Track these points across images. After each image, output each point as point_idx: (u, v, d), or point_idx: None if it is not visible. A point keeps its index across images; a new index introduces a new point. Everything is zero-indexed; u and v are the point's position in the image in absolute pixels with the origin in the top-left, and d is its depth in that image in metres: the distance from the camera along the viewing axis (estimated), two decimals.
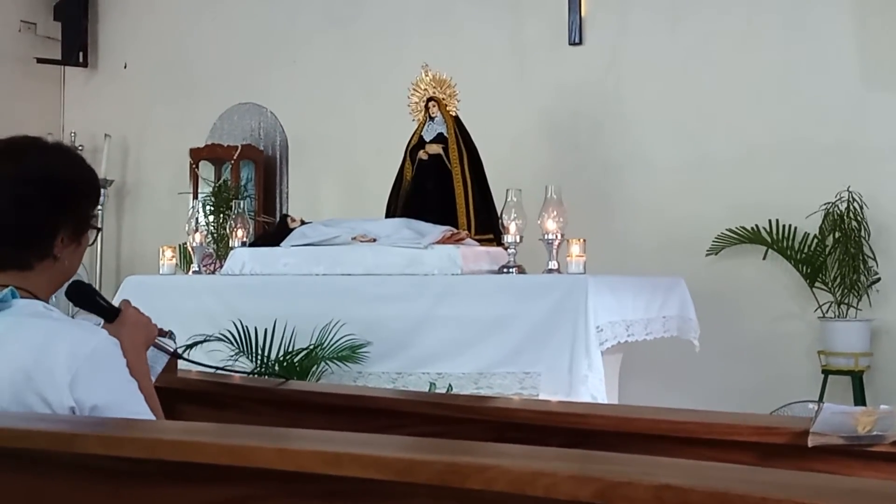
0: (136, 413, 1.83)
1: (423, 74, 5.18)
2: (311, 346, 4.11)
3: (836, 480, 1.35)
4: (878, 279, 5.41)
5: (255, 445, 1.44)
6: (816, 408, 1.94)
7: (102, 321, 2.04)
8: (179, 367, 2.31)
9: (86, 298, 2.06)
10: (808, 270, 5.51)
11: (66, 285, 2.05)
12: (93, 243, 2.03)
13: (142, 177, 7.79)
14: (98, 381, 1.80)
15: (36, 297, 1.91)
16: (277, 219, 6.19)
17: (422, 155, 5.10)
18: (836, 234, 5.41)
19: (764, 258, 5.68)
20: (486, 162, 5.16)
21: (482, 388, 4.03)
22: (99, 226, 2.03)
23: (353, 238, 4.67)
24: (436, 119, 5.12)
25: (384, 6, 6.94)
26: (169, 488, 1.52)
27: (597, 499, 1.18)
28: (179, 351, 2.26)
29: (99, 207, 2.06)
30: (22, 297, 1.88)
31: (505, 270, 4.38)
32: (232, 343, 4.10)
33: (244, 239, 5.16)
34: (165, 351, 2.16)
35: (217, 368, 2.39)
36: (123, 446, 1.55)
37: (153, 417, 1.88)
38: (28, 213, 1.88)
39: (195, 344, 3.56)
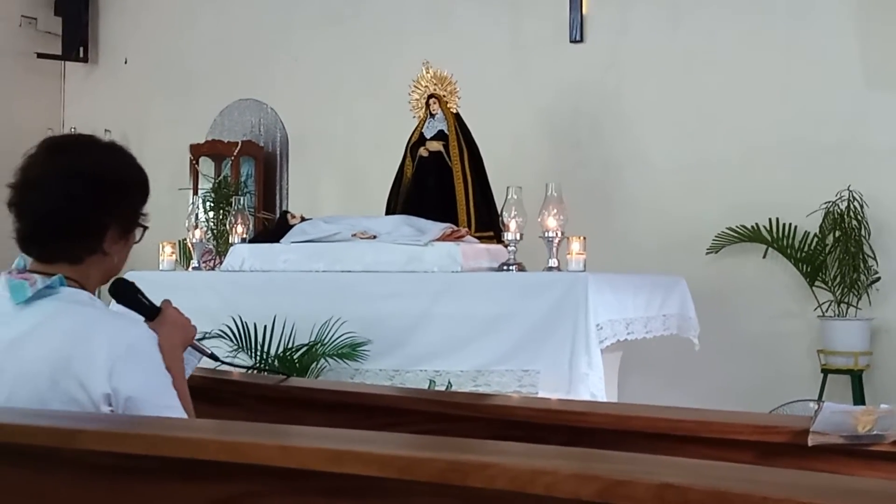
0: (168, 407, 1.87)
1: (425, 71, 5.17)
2: (311, 343, 4.11)
3: (837, 480, 1.35)
4: (878, 278, 5.41)
5: (257, 442, 1.45)
6: (816, 407, 1.94)
7: (143, 319, 2.06)
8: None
9: (128, 296, 2.09)
10: (808, 269, 5.51)
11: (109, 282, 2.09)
12: (139, 240, 2.06)
13: None
14: (136, 371, 1.84)
15: (83, 289, 1.95)
16: (277, 215, 6.19)
17: (422, 152, 5.10)
18: (837, 233, 5.41)
19: (764, 257, 5.68)
20: (487, 159, 5.16)
21: (480, 386, 4.02)
22: (147, 224, 2.05)
23: (353, 235, 4.66)
24: (436, 116, 5.12)
25: (385, 3, 6.93)
26: (170, 485, 1.52)
27: (597, 497, 1.18)
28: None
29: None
30: (69, 287, 1.92)
31: (505, 268, 4.38)
32: (231, 339, 4.10)
33: (244, 235, 5.16)
34: (203, 352, 2.19)
35: (221, 361, 2.40)
36: (124, 443, 1.56)
37: (184, 414, 1.91)
38: (79, 208, 1.91)
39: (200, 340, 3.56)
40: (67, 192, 1.90)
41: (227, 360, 2.73)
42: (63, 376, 1.82)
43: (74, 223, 1.91)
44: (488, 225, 4.92)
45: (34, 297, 1.88)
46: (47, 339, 1.85)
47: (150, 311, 2.08)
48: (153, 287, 2.20)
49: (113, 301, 2.15)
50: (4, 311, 1.89)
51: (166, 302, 2.12)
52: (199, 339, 2.29)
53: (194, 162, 7.35)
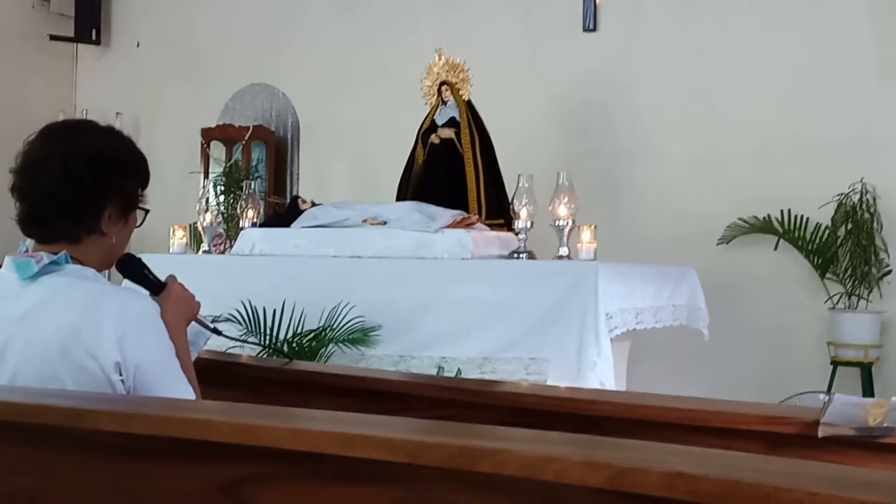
0: (176, 377, 1.93)
1: (437, 58, 5.16)
2: (321, 328, 4.11)
3: (848, 471, 1.35)
4: (890, 271, 5.40)
5: (266, 424, 1.45)
6: (827, 398, 1.93)
7: (149, 293, 2.10)
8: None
9: (134, 270, 2.14)
10: (819, 261, 5.49)
11: None
12: (140, 224, 2.10)
13: (153, 156, 7.64)
14: (144, 340, 1.90)
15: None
16: (288, 200, 6.19)
17: (433, 139, 5.09)
18: (848, 226, 5.39)
19: (775, 248, 5.67)
20: (498, 147, 5.15)
21: (487, 373, 4.02)
22: (147, 207, 2.10)
23: (364, 221, 4.66)
24: (448, 103, 5.11)
25: None
26: (179, 466, 1.52)
27: (608, 485, 1.18)
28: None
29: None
30: (74, 264, 1.96)
31: (515, 256, 4.37)
32: (241, 323, 4.11)
33: (254, 219, 5.16)
34: (206, 327, 2.22)
35: (236, 340, 2.41)
36: (133, 423, 1.56)
37: (189, 385, 1.95)
38: (77, 187, 1.95)
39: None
40: (66, 170, 1.94)
41: (233, 337, 2.73)
42: (73, 347, 1.86)
43: (72, 201, 1.95)
44: (499, 212, 4.91)
45: (40, 273, 1.93)
46: (56, 313, 1.89)
47: (155, 286, 2.12)
48: (163, 270, 2.21)
49: (125, 280, 2.17)
50: (12, 288, 1.93)
51: (171, 277, 2.16)
52: (211, 321, 2.31)
53: (205, 146, 7.35)
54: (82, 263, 1.97)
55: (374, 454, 1.32)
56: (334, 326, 4.11)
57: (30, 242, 2.00)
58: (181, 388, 1.92)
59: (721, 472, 1.16)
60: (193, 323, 2.17)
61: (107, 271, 2.14)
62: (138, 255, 2.18)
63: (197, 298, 2.17)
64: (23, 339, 1.89)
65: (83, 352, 1.86)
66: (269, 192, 7.09)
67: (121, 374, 1.86)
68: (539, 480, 1.22)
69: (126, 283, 2.19)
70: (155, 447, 1.52)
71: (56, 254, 1.94)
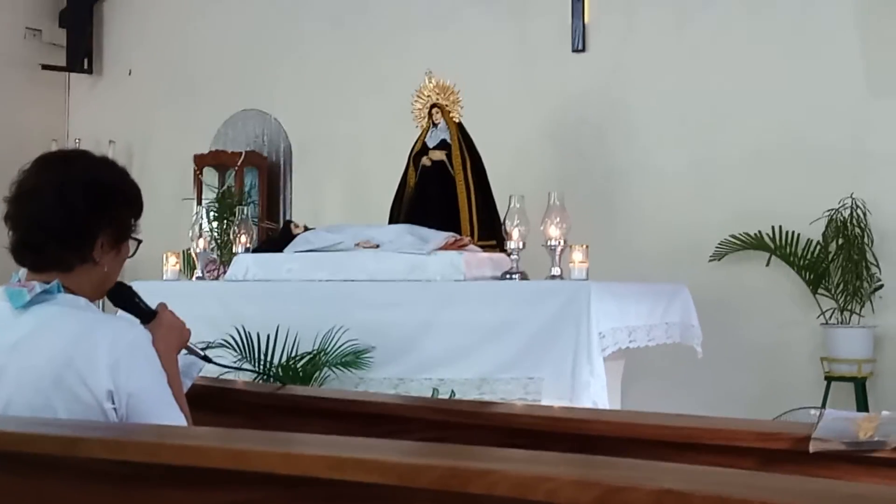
0: (168, 405, 1.93)
1: (427, 81, 5.18)
2: (315, 352, 4.11)
3: (837, 486, 1.35)
4: (881, 286, 5.41)
5: (259, 450, 1.45)
6: (818, 413, 1.94)
7: (139, 321, 2.11)
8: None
9: (125, 299, 2.14)
10: (811, 277, 5.51)
11: None
12: (132, 255, 2.10)
13: (146, 182, 7.64)
14: (136, 368, 1.90)
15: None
16: (281, 225, 6.20)
17: (425, 161, 5.11)
18: (840, 241, 5.40)
19: (767, 264, 5.68)
20: (489, 168, 5.17)
21: (485, 394, 4.03)
22: (140, 237, 2.10)
23: (357, 244, 4.67)
24: (439, 125, 5.13)
25: (388, 13, 6.95)
26: (173, 492, 1.53)
27: (598, 503, 1.19)
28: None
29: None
30: (66, 293, 1.97)
31: (508, 277, 4.38)
32: (235, 349, 4.11)
33: (248, 245, 5.17)
34: (197, 354, 2.22)
35: (229, 367, 2.42)
36: (127, 450, 1.56)
37: (181, 413, 1.96)
38: (69, 215, 1.96)
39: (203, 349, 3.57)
40: (60, 199, 1.95)
41: (228, 365, 2.74)
42: (66, 375, 1.86)
43: (65, 229, 1.96)
44: (491, 234, 4.93)
45: (32, 302, 1.93)
46: (49, 341, 1.90)
47: (146, 314, 2.12)
48: (157, 297, 2.22)
49: (119, 311, 2.18)
50: (4, 317, 1.94)
51: (162, 305, 2.16)
52: (203, 349, 2.31)
53: (198, 172, 7.36)
54: (74, 293, 1.98)
55: (365, 477, 1.33)
56: (328, 350, 4.11)
57: (22, 273, 2.01)
58: (173, 416, 1.92)
59: (710, 489, 1.17)
60: (186, 353, 2.17)
61: (99, 301, 2.15)
62: (130, 283, 2.18)
63: (190, 325, 2.17)
64: (15, 369, 1.89)
65: (76, 380, 1.86)
66: (262, 217, 7.11)
67: (113, 403, 1.86)
68: (530, 500, 1.23)
69: (118, 312, 2.19)
70: (149, 474, 1.53)
71: (48, 283, 1.95)
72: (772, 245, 5.61)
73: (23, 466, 1.64)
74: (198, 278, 5.17)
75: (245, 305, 4.50)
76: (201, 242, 5.27)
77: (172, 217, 6.98)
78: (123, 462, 1.54)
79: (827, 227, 5.43)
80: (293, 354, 4.13)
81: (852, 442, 1.84)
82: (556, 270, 4.31)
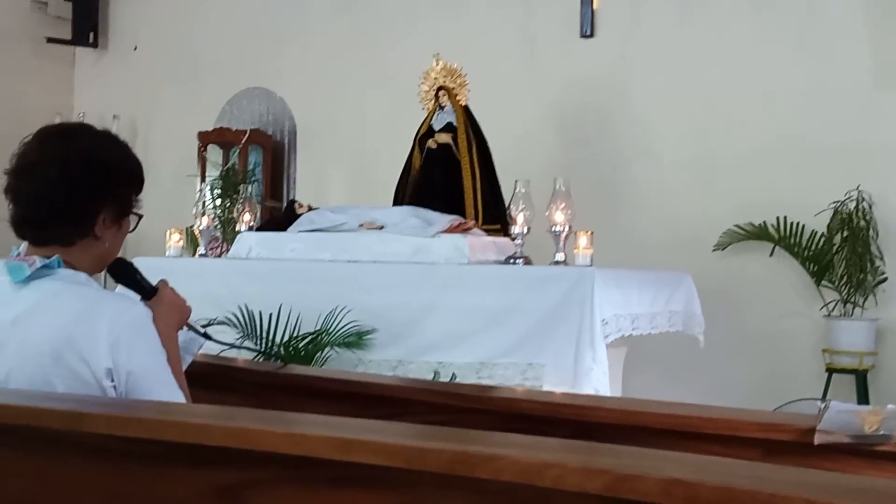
0: (167, 383, 1.92)
1: (434, 63, 5.16)
2: (317, 332, 4.11)
3: (843, 479, 1.35)
4: (885, 279, 5.40)
5: (263, 429, 1.44)
6: (823, 405, 1.94)
7: (140, 298, 2.10)
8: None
9: (126, 275, 2.13)
10: (815, 268, 5.50)
11: None
12: (133, 230, 2.09)
13: (150, 159, 7.72)
14: (137, 347, 1.89)
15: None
16: (285, 204, 6.19)
17: (431, 144, 5.09)
18: (844, 233, 5.39)
19: (771, 255, 5.67)
20: (495, 152, 5.16)
21: (484, 378, 4.02)
22: (141, 213, 2.09)
23: (361, 225, 4.66)
24: (445, 108, 5.12)
25: None
26: (176, 470, 1.52)
27: (605, 491, 1.18)
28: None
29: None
30: (66, 268, 1.96)
31: (511, 261, 4.37)
32: (237, 326, 4.11)
33: (251, 223, 5.16)
34: (197, 332, 2.22)
35: (229, 345, 2.41)
36: (130, 427, 1.56)
37: (180, 391, 1.95)
38: (72, 191, 1.94)
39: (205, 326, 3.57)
40: (62, 173, 1.94)
41: (229, 342, 2.73)
42: (66, 352, 1.85)
43: (67, 204, 1.95)
44: (496, 218, 4.92)
45: (32, 277, 1.92)
46: (49, 317, 1.88)
47: (146, 291, 2.11)
48: (159, 273, 2.21)
49: (119, 286, 2.17)
50: (4, 292, 1.93)
51: (163, 282, 2.15)
52: (205, 326, 2.31)
53: (202, 149, 7.35)
54: (74, 267, 1.97)
55: (371, 459, 1.32)
56: (330, 330, 4.11)
57: (23, 247, 2.00)
58: (173, 395, 1.91)
59: (718, 479, 1.16)
60: (186, 329, 2.17)
61: (100, 276, 2.14)
62: (131, 260, 2.17)
63: (192, 303, 2.16)
64: (15, 344, 1.88)
65: (76, 357, 1.85)
66: (266, 195, 7.09)
67: (112, 381, 1.86)
68: (537, 487, 1.22)
69: (119, 288, 2.18)
70: (151, 451, 1.52)
71: (49, 257, 1.94)
72: (776, 236, 5.60)
73: (25, 441, 1.63)
74: (201, 256, 5.17)
75: (247, 284, 4.49)
76: (205, 220, 5.26)
77: (176, 194, 6.97)
78: (126, 438, 1.54)
79: (832, 218, 5.42)
80: (295, 334, 4.13)
81: (857, 435, 1.83)
82: (560, 256, 4.30)
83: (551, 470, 1.22)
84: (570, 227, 4.32)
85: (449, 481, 1.27)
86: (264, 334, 4.11)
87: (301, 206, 5.03)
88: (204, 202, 5.46)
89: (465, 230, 4.55)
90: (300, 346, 4.09)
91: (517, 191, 4.44)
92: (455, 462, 1.27)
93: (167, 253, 5.13)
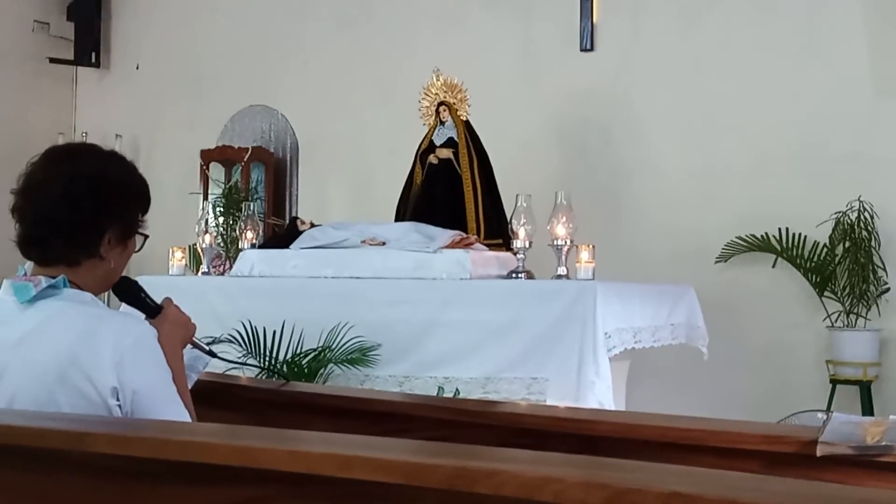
0: (172, 402, 1.92)
1: (435, 79, 5.18)
2: (320, 348, 4.11)
3: (846, 490, 1.35)
4: (888, 289, 5.40)
5: (265, 447, 1.44)
6: (825, 417, 1.93)
7: (144, 316, 2.10)
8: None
9: (131, 293, 2.13)
10: (818, 279, 5.50)
11: None
12: (139, 250, 2.09)
13: (152, 177, 7.61)
14: (142, 366, 1.89)
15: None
16: (287, 221, 6.20)
17: (432, 159, 5.10)
18: (846, 244, 5.39)
19: (773, 266, 5.67)
20: (496, 167, 5.17)
21: (489, 393, 4.02)
22: (147, 233, 2.09)
23: (363, 241, 4.67)
24: (446, 123, 5.13)
25: (395, 11, 6.95)
26: (177, 489, 1.52)
27: None
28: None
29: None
30: (71, 288, 1.96)
31: (514, 275, 4.37)
32: (240, 344, 4.11)
33: (253, 241, 5.17)
34: (202, 349, 2.21)
35: (233, 362, 2.41)
36: (132, 446, 1.56)
37: (185, 410, 1.95)
38: (78, 211, 1.95)
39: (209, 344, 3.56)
40: (68, 193, 1.94)
41: (234, 360, 2.73)
42: (71, 371, 1.85)
43: (72, 224, 1.95)
44: (497, 232, 4.92)
45: (38, 297, 1.92)
46: (54, 337, 1.88)
47: (151, 309, 2.11)
48: (162, 291, 2.21)
49: (123, 305, 2.17)
50: (9, 312, 1.93)
51: (167, 300, 2.15)
52: (208, 344, 2.31)
53: (204, 167, 7.36)
54: (80, 287, 1.97)
55: (371, 476, 1.32)
56: (333, 347, 4.11)
57: (28, 266, 2.00)
58: (178, 413, 1.91)
59: (718, 492, 1.16)
60: (192, 347, 2.17)
61: (105, 295, 2.14)
62: (135, 278, 2.17)
63: (195, 320, 2.16)
64: (20, 364, 1.88)
65: (81, 376, 1.85)
66: (269, 213, 7.10)
67: (118, 399, 1.85)
68: (538, 501, 1.22)
69: (123, 306, 2.19)
70: (153, 470, 1.52)
71: (54, 277, 1.94)
72: (778, 247, 5.60)
73: (28, 461, 1.63)
74: (203, 273, 5.17)
75: (250, 301, 4.50)
76: (207, 238, 5.27)
77: (178, 212, 6.98)
78: (128, 457, 1.54)
79: (834, 229, 5.42)
80: (298, 351, 4.13)
81: (859, 446, 1.83)
82: (562, 270, 4.30)
83: (552, 484, 1.22)
84: (571, 241, 4.32)
85: (450, 497, 1.27)
86: (267, 351, 4.11)
87: (303, 222, 5.05)
88: (206, 220, 5.47)
89: (467, 245, 4.55)
90: (303, 362, 4.09)
91: (518, 205, 4.45)
92: (455, 477, 1.27)
93: (170, 271, 5.14)
